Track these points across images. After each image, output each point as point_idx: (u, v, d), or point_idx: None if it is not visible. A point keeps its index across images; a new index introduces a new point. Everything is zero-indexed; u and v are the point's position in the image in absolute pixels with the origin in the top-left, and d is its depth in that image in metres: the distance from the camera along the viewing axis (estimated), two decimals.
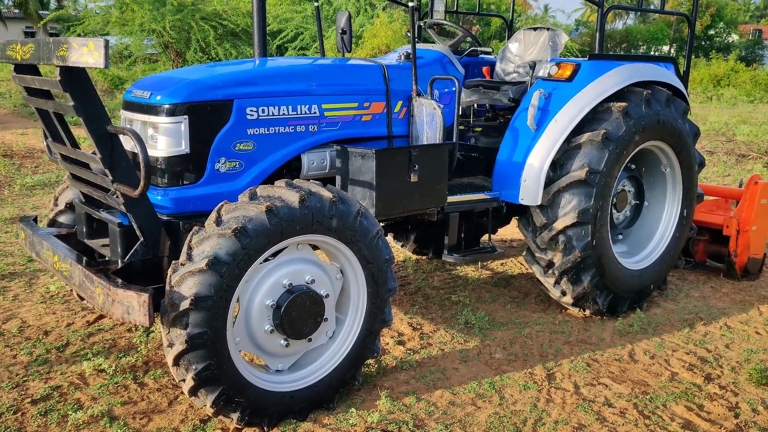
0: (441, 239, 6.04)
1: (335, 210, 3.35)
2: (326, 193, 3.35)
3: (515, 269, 6.12)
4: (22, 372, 3.91)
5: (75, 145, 3.64)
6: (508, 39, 6.51)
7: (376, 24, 23.48)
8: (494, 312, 5.05)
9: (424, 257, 6.28)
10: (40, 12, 40.91)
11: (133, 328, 4.50)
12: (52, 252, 3.68)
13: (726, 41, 52.61)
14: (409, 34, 5.83)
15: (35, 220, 4.30)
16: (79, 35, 28.53)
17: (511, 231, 7.07)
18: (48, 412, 3.50)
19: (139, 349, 4.23)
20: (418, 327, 4.73)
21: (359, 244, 3.51)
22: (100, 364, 3.98)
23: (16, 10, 42.56)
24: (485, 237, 5.04)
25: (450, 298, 5.28)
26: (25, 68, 3.53)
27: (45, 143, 4.04)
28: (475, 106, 5.58)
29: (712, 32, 52.79)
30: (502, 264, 6.23)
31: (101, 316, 4.69)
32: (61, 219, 4.37)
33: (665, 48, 52.12)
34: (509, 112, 5.42)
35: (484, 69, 5.78)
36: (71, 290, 4.54)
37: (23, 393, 3.68)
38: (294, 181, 3.39)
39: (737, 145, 13.91)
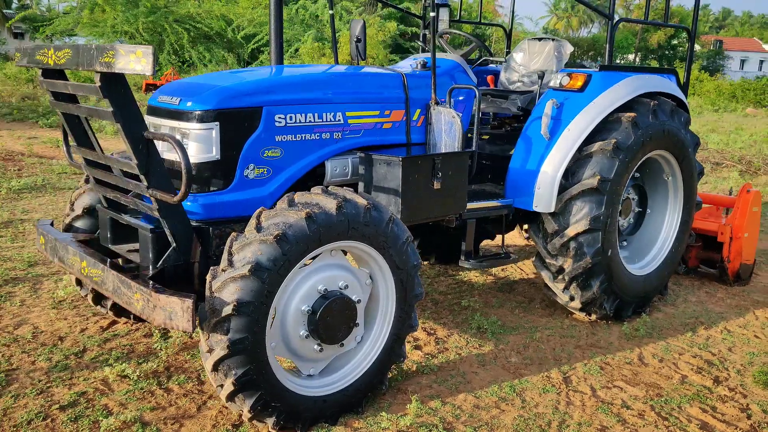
0: (444, 245, 6.16)
1: (369, 217, 3.41)
2: (361, 200, 3.40)
3: (517, 275, 6.23)
4: (44, 378, 3.88)
5: (101, 149, 3.64)
6: (508, 48, 6.64)
7: None
8: (504, 317, 5.14)
9: (426, 263, 6.35)
10: (5, 11, 40.16)
11: (151, 334, 4.49)
12: (80, 258, 3.66)
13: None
14: (423, 43, 5.92)
15: (52, 224, 4.26)
16: (47, 36, 28.09)
17: (509, 237, 7.17)
18: (78, 418, 3.48)
19: (159, 354, 4.22)
20: (432, 332, 4.80)
21: (390, 251, 3.56)
22: (123, 370, 3.96)
23: None
24: (488, 243, 5.12)
25: (459, 303, 5.36)
26: (54, 73, 3.53)
27: (65, 148, 4.01)
28: (480, 114, 5.67)
29: (675, 42, 54.03)
30: (503, 270, 6.33)
31: (114, 322, 4.67)
32: (78, 224, 4.33)
33: (630, 56, 53.19)
34: (515, 120, 5.54)
35: (489, 78, 5.88)
36: (85, 295, 4.50)
37: (49, 399, 3.65)
38: (329, 188, 3.44)
39: (710, 154, 14.28)
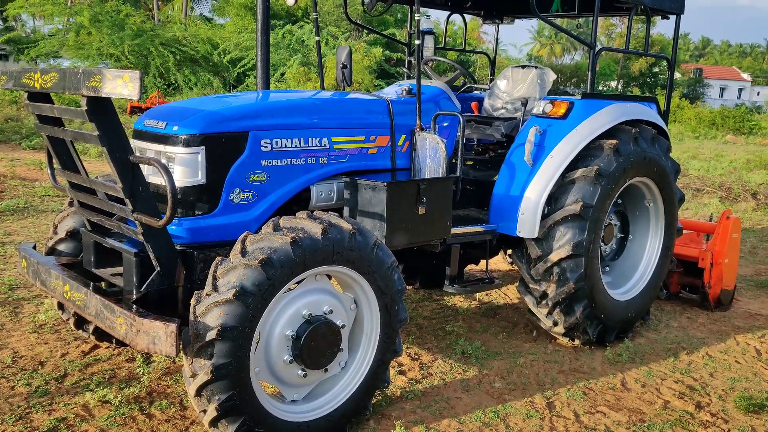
0: (428, 270, 6.18)
1: (354, 241, 3.42)
2: (346, 225, 3.42)
3: (501, 300, 6.25)
4: (23, 404, 3.83)
5: (86, 173, 3.63)
6: (492, 75, 6.73)
7: None
8: (488, 341, 5.15)
9: (410, 287, 6.36)
10: None
11: (133, 358, 4.45)
12: (62, 281, 3.64)
13: None
14: (408, 69, 5.97)
15: (34, 247, 4.24)
16: (32, 57, 28.03)
17: (493, 262, 7.20)
18: None
19: (141, 379, 4.18)
20: (417, 357, 4.79)
21: (375, 275, 3.57)
22: (104, 395, 3.92)
23: None
24: (472, 267, 5.14)
25: (443, 327, 5.37)
26: (39, 96, 3.53)
27: (49, 171, 4.00)
28: (464, 140, 5.73)
29: (656, 70, 54.85)
30: (487, 294, 6.35)
31: (96, 346, 4.62)
32: (61, 247, 4.30)
33: (613, 83, 53.89)
34: (498, 146, 5.59)
35: (473, 104, 5.95)
36: (67, 319, 4.46)
37: (28, 425, 3.60)
38: (315, 213, 3.45)
39: (691, 180, 14.45)
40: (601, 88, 50.81)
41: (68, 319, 4.45)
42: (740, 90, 75.23)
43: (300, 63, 25.15)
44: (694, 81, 60.55)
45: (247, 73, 26.33)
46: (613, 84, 54.02)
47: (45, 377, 4.16)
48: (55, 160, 3.79)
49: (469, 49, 7.14)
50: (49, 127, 3.56)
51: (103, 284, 3.95)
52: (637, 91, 52.20)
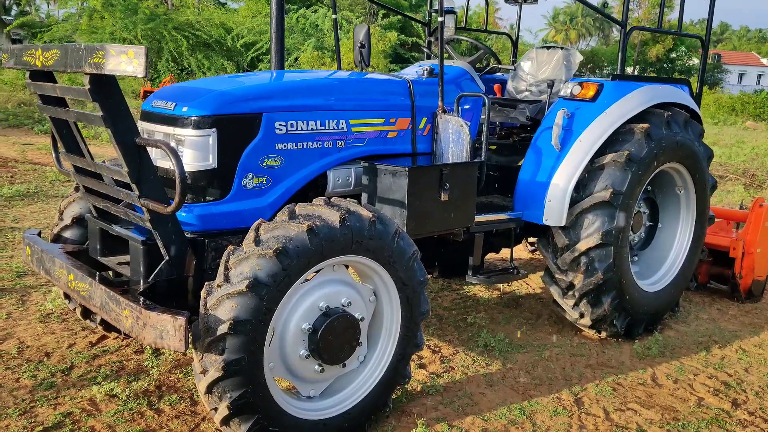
0: (448, 258, 5.97)
1: (374, 230, 3.22)
2: (365, 213, 3.22)
3: (523, 289, 6.04)
4: (28, 397, 3.67)
5: (91, 156, 3.44)
6: (514, 56, 6.48)
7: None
8: (511, 333, 4.94)
9: (429, 276, 6.14)
10: (4, 17, 40.01)
11: (142, 350, 4.28)
12: (67, 270, 3.46)
13: (687, 64, 53.87)
14: (428, 49, 5.74)
15: (39, 234, 4.07)
16: (45, 42, 27.91)
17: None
18: None
19: (150, 372, 4.02)
20: (437, 350, 4.59)
21: (395, 266, 3.37)
22: (112, 389, 3.76)
23: None
24: (493, 255, 4.93)
25: (465, 319, 5.16)
26: (41, 75, 3.34)
27: (54, 154, 3.81)
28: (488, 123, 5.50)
29: (674, 55, 54.06)
30: (509, 284, 6.13)
31: (104, 337, 4.46)
32: (67, 234, 4.13)
33: (629, 69, 53.20)
34: (522, 130, 5.36)
35: (496, 86, 5.72)
36: (74, 309, 4.30)
37: (33, 420, 3.44)
38: (332, 200, 3.25)
39: (713, 167, 14.12)
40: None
41: (75, 309, 4.28)
42: (759, 76, 74.02)
43: (314, 47, 24.87)
44: (713, 66, 59.59)
45: (260, 57, 26.07)
46: (629, 70, 53.29)
47: (51, 369, 4.00)
48: (59, 143, 3.60)
49: (492, 30, 6.88)
50: (52, 108, 3.37)
51: (110, 273, 3.78)
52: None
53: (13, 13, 43.59)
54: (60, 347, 4.31)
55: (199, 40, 25.68)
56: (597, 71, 50.76)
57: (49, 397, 3.69)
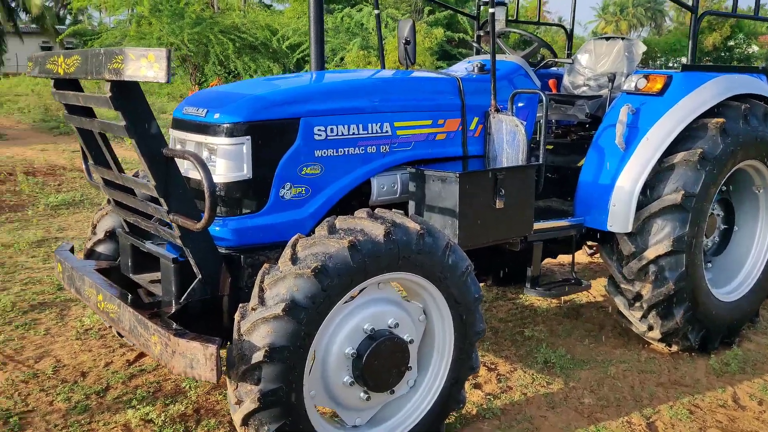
0: (500, 265, 5.62)
1: (422, 244, 2.92)
2: (413, 225, 2.92)
3: (583, 298, 5.65)
4: (60, 422, 3.48)
5: (120, 168, 3.23)
6: (569, 50, 6.09)
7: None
8: (572, 348, 4.58)
9: (482, 284, 5.81)
10: (57, 27, 40.97)
11: None
12: (96, 290, 3.26)
13: (746, 52, 51.93)
14: (478, 44, 5.40)
15: (72, 250, 3.89)
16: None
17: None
18: None
19: (188, 394, 3.80)
20: (493, 367, 4.27)
21: (447, 282, 3.07)
22: (147, 413, 3.55)
23: (33, 25, 42.66)
24: (549, 261, 4.57)
25: (522, 332, 4.81)
26: (66, 83, 3.13)
27: (84, 166, 3.61)
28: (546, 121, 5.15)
29: (732, 43, 52.20)
30: None
31: (142, 354, 4.26)
32: (100, 249, 3.95)
33: (684, 59, 51.63)
34: (580, 128, 4.99)
35: (551, 82, 5.35)
36: (109, 326, 4.12)
37: None
38: (376, 211, 2.96)
39: None
40: (671, 65, 48.73)
41: (111, 326, 4.10)
42: None
43: (360, 47, 24.60)
44: None
45: (306, 59, 25.92)
46: (684, 60, 51.63)
47: (86, 390, 3.81)
48: (88, 155, 3.40)
49: (545, 22, 6.50)
50: (77, 118, 3.17)
51: (143, 291, 3.56)
52: None
53: (67, 22, 44.64)
54: (96, 366, 4.13)
55: (245, 43, 25.71)
56: (650, 63, 49.34)
57: (83, 422, 3.50)
